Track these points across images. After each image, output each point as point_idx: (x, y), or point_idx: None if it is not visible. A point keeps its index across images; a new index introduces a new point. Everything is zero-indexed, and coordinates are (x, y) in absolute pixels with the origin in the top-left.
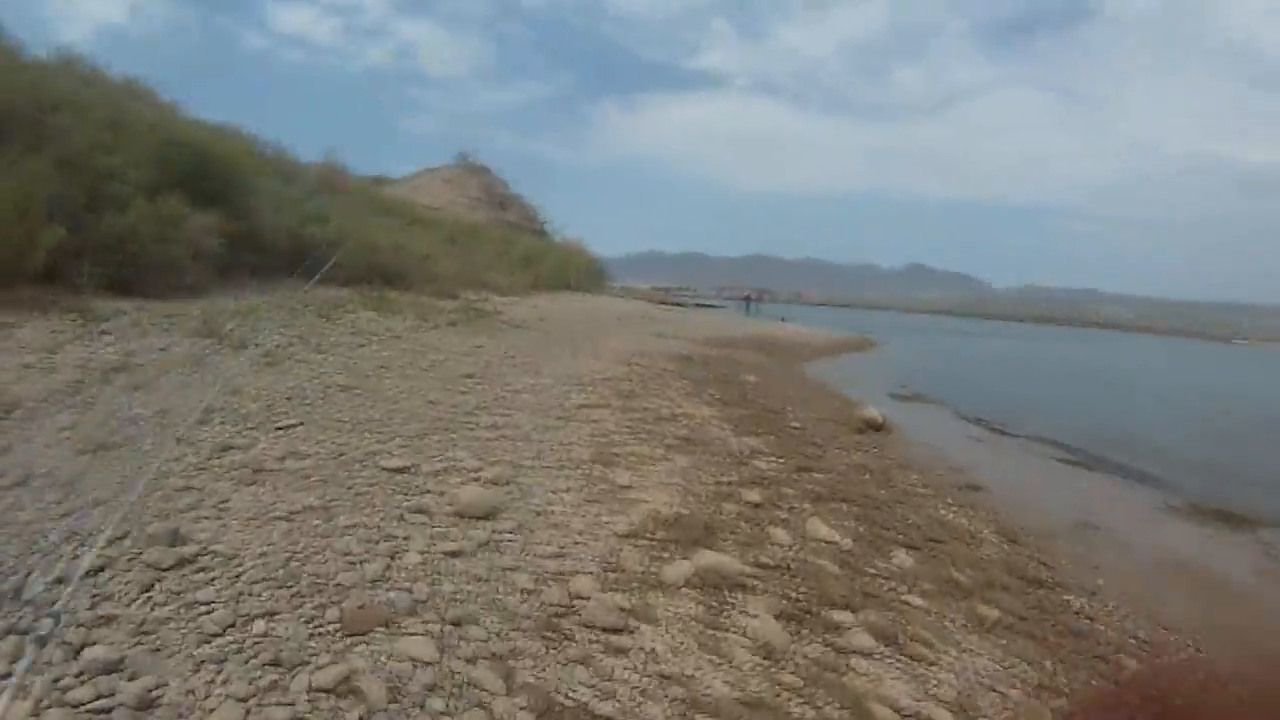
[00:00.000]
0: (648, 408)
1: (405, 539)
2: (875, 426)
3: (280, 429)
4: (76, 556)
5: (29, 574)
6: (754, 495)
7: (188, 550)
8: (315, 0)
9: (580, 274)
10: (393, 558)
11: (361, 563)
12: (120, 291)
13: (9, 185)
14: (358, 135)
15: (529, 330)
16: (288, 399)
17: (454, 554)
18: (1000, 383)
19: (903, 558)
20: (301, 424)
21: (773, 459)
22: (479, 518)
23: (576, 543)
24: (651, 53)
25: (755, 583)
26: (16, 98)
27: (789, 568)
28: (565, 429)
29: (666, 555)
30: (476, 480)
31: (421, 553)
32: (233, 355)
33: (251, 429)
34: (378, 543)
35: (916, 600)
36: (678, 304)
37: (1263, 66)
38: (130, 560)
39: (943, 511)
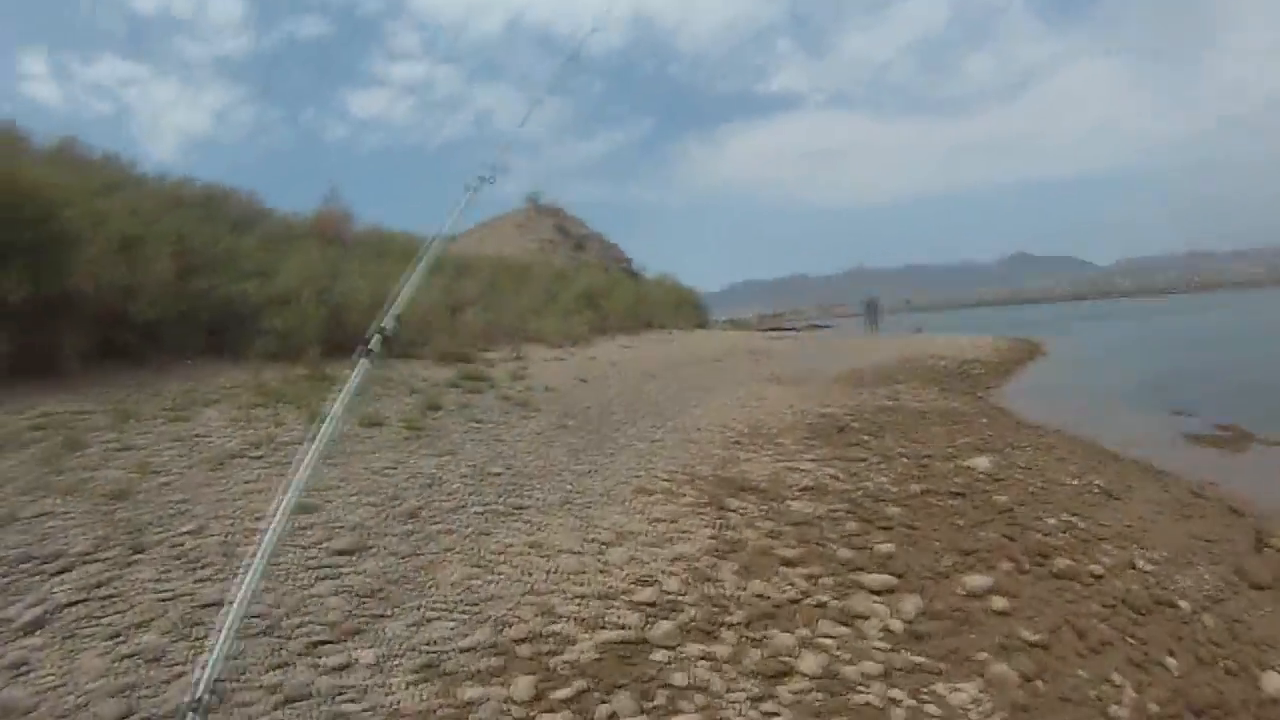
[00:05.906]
0: None
1: None
2: None
3: None
4: None
5: None
6: None
7: None
8: (388, 82)
9: (671, 309)
10: None
11: None
12: None
13: None
14: (442, 206)
15: (540, 412)
16: None
17: None
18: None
19: None
20: None
21: None
22: None
23: None
24: (724, 84)
25: None
26: None
27: None
28: None
29: None
30: None
31: None
32: None
33: None
34: None
35: None
36: (789, 330)
37: None
38: None
39: None
